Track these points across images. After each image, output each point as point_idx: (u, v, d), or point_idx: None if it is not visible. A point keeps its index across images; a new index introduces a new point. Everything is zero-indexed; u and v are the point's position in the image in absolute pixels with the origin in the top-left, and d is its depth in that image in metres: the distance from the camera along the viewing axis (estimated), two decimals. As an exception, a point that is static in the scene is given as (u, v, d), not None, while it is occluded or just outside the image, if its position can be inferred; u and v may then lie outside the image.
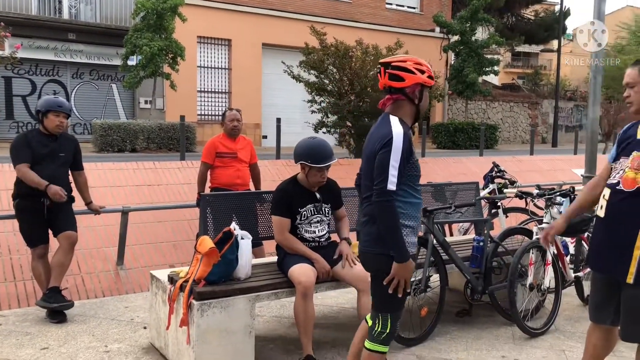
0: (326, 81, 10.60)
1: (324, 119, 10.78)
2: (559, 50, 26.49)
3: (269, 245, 5.92)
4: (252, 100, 19.43)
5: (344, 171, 8.79)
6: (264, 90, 20.02)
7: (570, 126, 29.52)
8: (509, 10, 29.80)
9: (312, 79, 10.77)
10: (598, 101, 5.92)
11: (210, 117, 19.18)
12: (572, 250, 4.91)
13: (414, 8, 24.57)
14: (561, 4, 26.69)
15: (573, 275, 4.91)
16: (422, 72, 2.69)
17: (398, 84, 2.69)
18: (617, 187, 2.81)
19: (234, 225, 3.67)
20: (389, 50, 10.49)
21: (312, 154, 3.73)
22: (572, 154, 17.12)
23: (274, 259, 4.52)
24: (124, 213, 5.59)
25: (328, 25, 17.57)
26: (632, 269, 2.73)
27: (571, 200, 4.72)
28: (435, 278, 4.42)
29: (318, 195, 3.92)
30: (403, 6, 24.12)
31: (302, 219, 3.87)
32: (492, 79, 31.08)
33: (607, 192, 2.87)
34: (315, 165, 3.73)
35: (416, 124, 3.04)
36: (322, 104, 10.80)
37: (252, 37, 19.44)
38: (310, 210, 3.90)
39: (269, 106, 19.85)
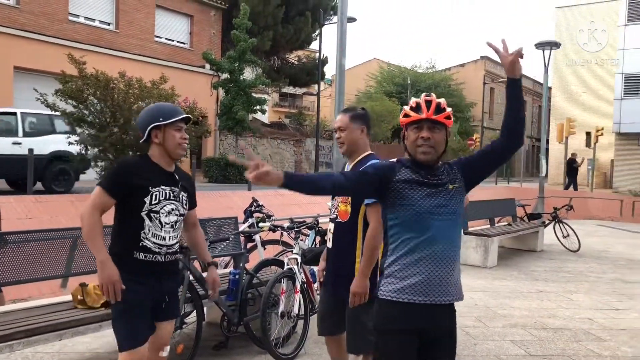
0: (86, 112, 10.04)
1: (83, 151, 10.16)
2: (318, 94, 28.95)
3: (13, 291, 5.34)
4: (1, 128, 17.35)
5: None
6: (16, 117, 18.04)
7: (330, 163, 32.27)
8: (275, 53, 31.75)
9: (70, 108, 10.11)
10: (342, 143, 6.66)
11: (-55, 146, 16.56)
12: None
13: (184, 43, 24.69)
14: (319, 52, 29.34)
15: (320, 300, 5.37)
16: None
17: None
18: (337, 220, 3.34)
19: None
20: (153, 84, 10.38)
21: (161, 111, 2.98)
22: (330, 188, 18.69)
23: (12, 307, 4.13)
24: None
25: (91, 53, 16.69)
26: None
27: (316, 233, 5.22)
28: (193, 314, 4.46)
29: (177, 176, 3.07)
30: (173, 40, 24.07)
31: (154, 202, 2.90)
32: (262, 117, 32.60)
33: (331, 226, 3.38)
34: (172, 119, 2.95)
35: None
36: (82, 136, 10.18)
37: (1, 59, 17.48)
38: (165, 193, 2.95)
39: (21, 135, 17.91)
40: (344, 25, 6.84)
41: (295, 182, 2.30)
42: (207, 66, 24.01)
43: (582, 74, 34.40)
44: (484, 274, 8.83)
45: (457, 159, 2.54)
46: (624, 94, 28.82)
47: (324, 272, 3.52)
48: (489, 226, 10.80)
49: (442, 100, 2.43)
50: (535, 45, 17.16)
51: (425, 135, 2.38)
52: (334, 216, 3.34)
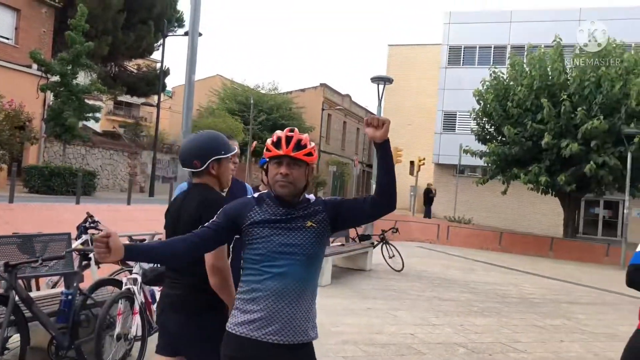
0: None
1: None
2: (158, 105, 28.11)
3: None
4: None
5: None
6: None
7: (167, 177, 31.34)
8: (113, 60, 30.23)
9: None
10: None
11: None
12: (158, 297, 5.22)
13: (8, 39, 22.47)
14: (162, 62, 28.55)
15: (159, 321, 5.22)
16: None
17: None
18: None
19: None
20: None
21: (222, 143, 2.91)
22: (167, 203, 18.14)
23: None
24: None
25: None
26: None
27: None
28: (16, 338, 4.09)
29: None
30: (-5, 34, 21.81)
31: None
32: (93, 125, 30.66)
33: None
34: (231, 152, 2.95)
35: None
36: None
37: None
38: None
39: None
40: (194, 41, 6.79)
41: (135, 255, 2.39)
42: (35, 66, 22.08)
43: (410, 107, 37.72)
44: (318, 292, 9.18)
45: (332, 198, 2.55)
46: (443, 129, 32.13)
47: None
48: (342, 244, 11.32)
49: (305, 136, 2.46)
50: (371, 79, 18.45)
51: (283, 172, 2.39)
52: None
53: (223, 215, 2.48)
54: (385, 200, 2.41)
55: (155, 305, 5.13)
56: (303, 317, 2.41)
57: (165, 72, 30.40)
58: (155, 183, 27.76)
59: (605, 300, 11.48)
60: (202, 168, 2.85)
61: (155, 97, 30.81)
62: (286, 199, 2.44)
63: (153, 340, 5.23)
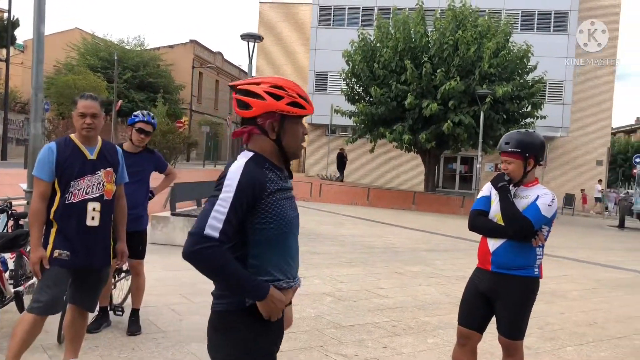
0: None
1: None
2: (7, 60, 25.55)
3: None
4: None
5: None
6: None
7: (22, 139, 28.82)
8: (-50, 7, 26.81)
9: None
10: (40, 118, 6.11)
11: None
12: (11, 265, 4.89)
13: None
14: (9, 12, 25.83)
15: (13, 290, 4.90)
16: (279, 97, 2.05)
17: (245, 113, 2.11)
18: (104, 199, 3.53)
19: None
20: None
21: None
22: (22, 167, 16.78)
23: None
24: None
25: None
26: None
27: (8, 216, 4.74)
28: None
29: None
30: None
31: None
32: None
33: (96, 205, 3.48)
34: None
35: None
36: None
37: None
38: None
39: None
40: (43, -11, 6.23)
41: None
42: None
43: (283, 68, 37.67)
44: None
45: None
46: (315, 89, 32.59)
47: (58, 253, 3.42)
48: (196, 207, 11.13)
49: None
50: (241, 36, 18.10)
51: (307, 132, 2.23)
52: (99, 194, 3.48)
53: (240, 196, 1.99)
54: None
55: (7, 273, 4.81)
56: None
57: (15, 23, 27.55)
58: (8, 146, 25.47)
59: (459, 247, 12.58)
60: None
61: (4, 51, 27.88)
62: (287, 164, 2.22)
63: (6, 311, 4.93)
